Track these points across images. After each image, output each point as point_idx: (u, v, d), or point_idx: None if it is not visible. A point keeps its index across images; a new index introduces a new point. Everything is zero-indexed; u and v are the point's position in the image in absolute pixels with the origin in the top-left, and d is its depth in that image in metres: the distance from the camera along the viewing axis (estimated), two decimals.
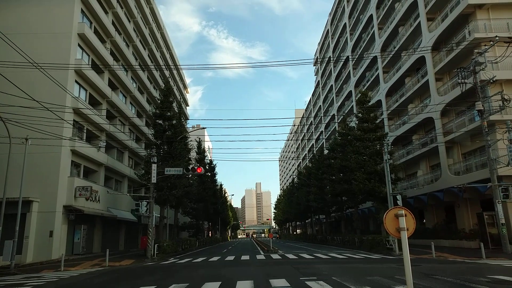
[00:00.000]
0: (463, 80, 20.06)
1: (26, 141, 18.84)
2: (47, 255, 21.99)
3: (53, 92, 22.27)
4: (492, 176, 19.10)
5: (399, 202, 21.92)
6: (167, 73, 51.22)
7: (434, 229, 28.00)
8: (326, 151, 44.71)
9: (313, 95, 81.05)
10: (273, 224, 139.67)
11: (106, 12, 31.30)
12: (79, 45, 26.54)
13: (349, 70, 50.83)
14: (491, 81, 19.27)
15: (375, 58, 40.07)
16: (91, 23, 28.88)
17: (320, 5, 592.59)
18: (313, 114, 78.07)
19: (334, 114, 58.30)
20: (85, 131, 27.38)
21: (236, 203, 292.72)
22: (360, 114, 29.07)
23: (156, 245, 22.59)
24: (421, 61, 30.40)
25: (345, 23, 52.57)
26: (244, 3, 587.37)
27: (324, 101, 67.77)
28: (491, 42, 19.02)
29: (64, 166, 24.08)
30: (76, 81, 25.92)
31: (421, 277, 10.58)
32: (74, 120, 25.20)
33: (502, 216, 18.66)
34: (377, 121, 29.38)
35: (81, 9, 27.19)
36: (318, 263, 16.13)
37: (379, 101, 38.80)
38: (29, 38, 24.79)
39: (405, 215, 6.05)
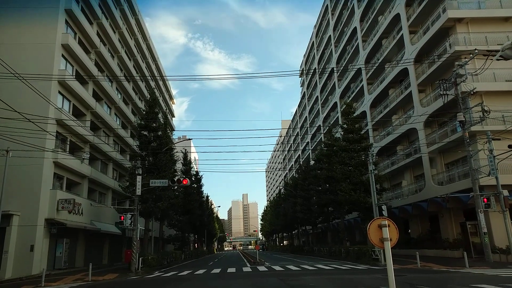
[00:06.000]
0: (445, 92, 20.44)
1: (7, 153, 18.47)
2: (27, 270, 21.16)
3: (35, 103, 21.81)
4: (474, 186, 19.39)
5: (384, 213, 22.08)
6: (152, 84, 51.01)
7: (418, 239, 28.21)
8: (312, 162, 44.90)
9: (299, 106, 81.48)
10: (260, 235, 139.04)
11: (91, 23, 31.06)
12: (63, 55, 26.20)
13: (334, 82, 51.32)
14: (472, 92, 19.64)
15: (359, 70, 40.60)
16: (75, 33, 28.61)
17: (304, 19, 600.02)
18: (299, 125, 78.42)
19: (320, 125, 58.66)
20: (68, 142, 26.92)
21: (222, 214, 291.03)
22: (345, 125, 29.31)
23: (140, 259, 22.12)
24: (404, 73, 30.89)
25: (330, 35, 53.30)
26: (229, 16, 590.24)
27: (310, 112, 68.19)
28: (471, 55, 19.42)
29: (46, 179, 23.48)
30: (59, 92, 25.55)
31: (406, 287, 10.62)
32: (57, 132, 24.75)
33: (484, 226, 18.93)
34: (362, 132, 29.66)
35: (65, 20, 26.86)
36: (304, 274, 16.08)
37: (364, 112, 39.22)
38: (12, 48, 24.40)
39: (388, 226, 6.09)
